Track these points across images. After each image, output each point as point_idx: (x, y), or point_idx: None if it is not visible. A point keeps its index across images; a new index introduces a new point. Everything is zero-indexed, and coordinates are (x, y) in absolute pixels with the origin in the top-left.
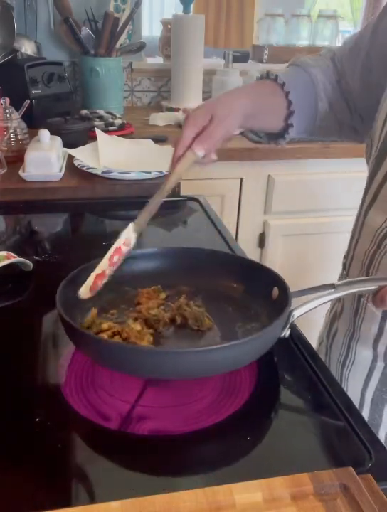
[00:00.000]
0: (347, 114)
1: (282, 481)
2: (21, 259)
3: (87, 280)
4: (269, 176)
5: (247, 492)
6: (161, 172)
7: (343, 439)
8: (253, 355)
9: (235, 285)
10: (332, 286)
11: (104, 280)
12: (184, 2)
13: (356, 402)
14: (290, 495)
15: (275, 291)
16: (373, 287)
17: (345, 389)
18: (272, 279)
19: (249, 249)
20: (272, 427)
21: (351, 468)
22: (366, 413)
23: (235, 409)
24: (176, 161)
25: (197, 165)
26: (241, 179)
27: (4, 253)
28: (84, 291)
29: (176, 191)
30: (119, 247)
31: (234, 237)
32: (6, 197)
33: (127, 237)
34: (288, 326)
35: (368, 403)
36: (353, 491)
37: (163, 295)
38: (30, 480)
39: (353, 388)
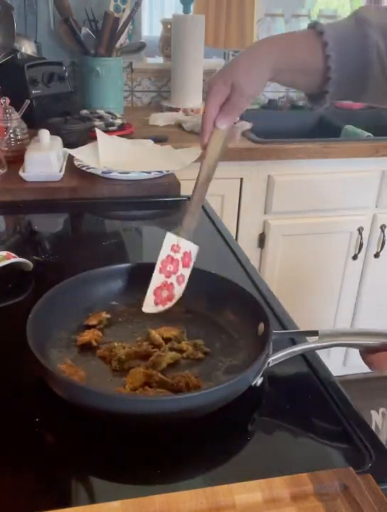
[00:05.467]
0: None
1: (282, 481)
2: (21, 259)
3: (147, 297)
4: (269, 176)
5: (247, 492)
6: (161, 172)
7: (343, 439)
8: (222, 401)
9: (223, 311)
10: (316, 333)
11: (175, 290)
12: (184, 2)
13: None
14: (290, 495)
15: (261, 327)
16: (360, 342)
17: None
18: (261, 314)
19: (249, 249)
20: (272, 427)
21: (351, 468)
22: None
23: (235, 409)
24: (204, 136)
25: (228, 141)
26: (241, 179)
27: (4, 253)
28: (148, 307)
29: (175, 191)
30: (168, 256)
31: (234, 237)
32: (6, 197)
33: (173, 243)
34: (261, 374)
35: None
36: (353, 491)
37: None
38: (30, 480)
39: None
